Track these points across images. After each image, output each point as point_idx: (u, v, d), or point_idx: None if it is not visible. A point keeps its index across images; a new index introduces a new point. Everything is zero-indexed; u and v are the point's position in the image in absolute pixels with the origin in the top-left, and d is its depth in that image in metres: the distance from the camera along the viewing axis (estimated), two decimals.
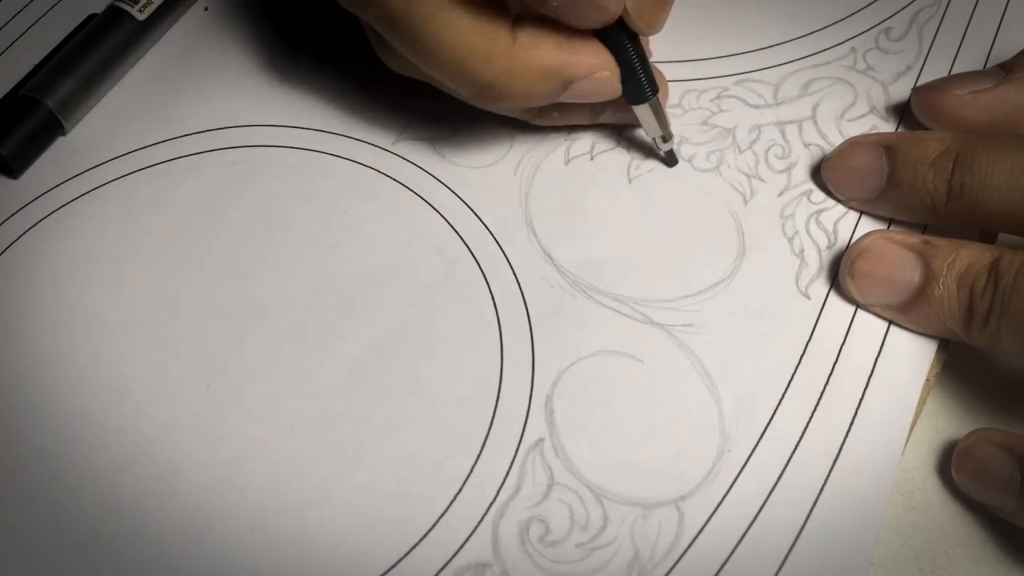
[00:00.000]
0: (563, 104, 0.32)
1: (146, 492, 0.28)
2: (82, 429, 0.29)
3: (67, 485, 0.28)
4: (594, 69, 0.30)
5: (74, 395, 0.30)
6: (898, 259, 0.30)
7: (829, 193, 0.33)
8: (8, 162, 0.34)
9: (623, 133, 0.35)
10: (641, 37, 0.31)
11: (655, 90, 0.32)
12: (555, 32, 0.29)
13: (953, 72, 0.36)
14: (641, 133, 0.35)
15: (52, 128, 0.35)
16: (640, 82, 0.32)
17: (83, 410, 0.30)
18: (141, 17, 0.37)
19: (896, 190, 0.31)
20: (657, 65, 0.33)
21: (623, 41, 0.31)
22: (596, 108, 0.34)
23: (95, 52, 0.36)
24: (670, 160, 0.34)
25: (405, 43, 0.30)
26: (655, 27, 0.30)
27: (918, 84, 0.35)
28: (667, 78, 0.34)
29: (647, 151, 0.35)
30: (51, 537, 0.28)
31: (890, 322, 0.30)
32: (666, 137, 0.34)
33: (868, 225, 0.32)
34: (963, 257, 0.28)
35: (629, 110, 0.33)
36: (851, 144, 0.33)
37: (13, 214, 0.34)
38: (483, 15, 0.29)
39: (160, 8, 0.38)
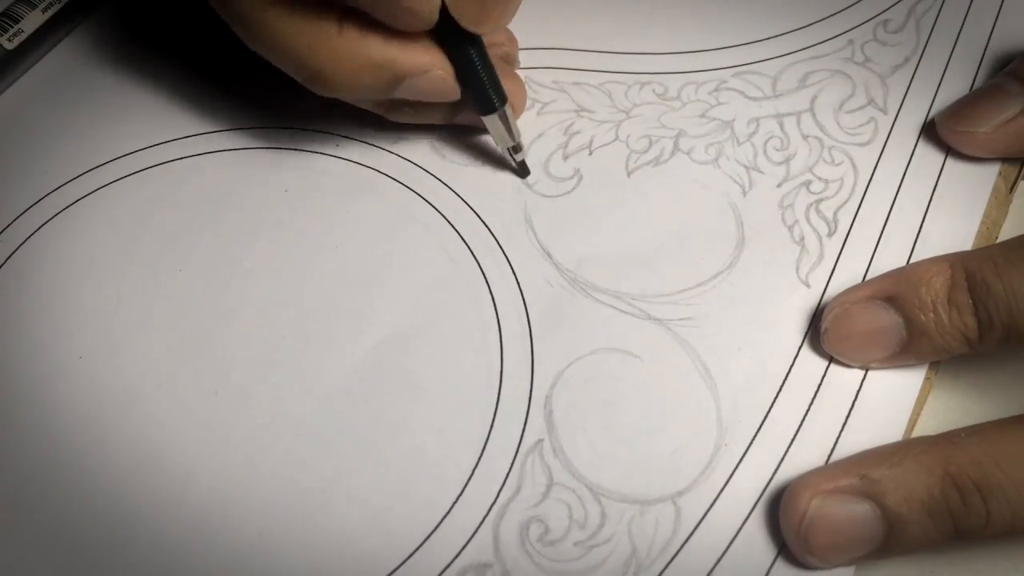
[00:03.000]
0: (415, 102, 0.32)
1: (157, 498, 0.29)
2: (91, 437, 0.30)
3: (78, 493, 0.29)
4: (424, 67, 0.30)
5: (83, 403, 0.30)
6: (872, 314, 0.29)
7: (834, 188, 0.33)
8: None
9: (622, 125, 0.35)
10: (486, 39, 0.31)
11: (502, 100, 0.31)
12: (385, 27, 0.29)
13: (947, 71, 0.35)
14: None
15: None
16: (483, 90, 0.31)
17: (93, 418, 0.30)
18: (10, 47, 0.36)
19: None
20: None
21: (456, 42, 0.30)
22: (450, 108, 0.33)
23: None
24: (522, 171, 0.34)
25: (242, 31, 0.30)
26: (482, 25, 0.29)
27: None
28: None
29: (640, 151, 0.35)
30: (62, 544, 0.28)
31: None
32: (516, 148, 0.33)
33: (869, 211, 0.32)
34: (938, 280, 0.28)
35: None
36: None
37: (16, 218, 0.35)
38: (308, 5, 0.29)
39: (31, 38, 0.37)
